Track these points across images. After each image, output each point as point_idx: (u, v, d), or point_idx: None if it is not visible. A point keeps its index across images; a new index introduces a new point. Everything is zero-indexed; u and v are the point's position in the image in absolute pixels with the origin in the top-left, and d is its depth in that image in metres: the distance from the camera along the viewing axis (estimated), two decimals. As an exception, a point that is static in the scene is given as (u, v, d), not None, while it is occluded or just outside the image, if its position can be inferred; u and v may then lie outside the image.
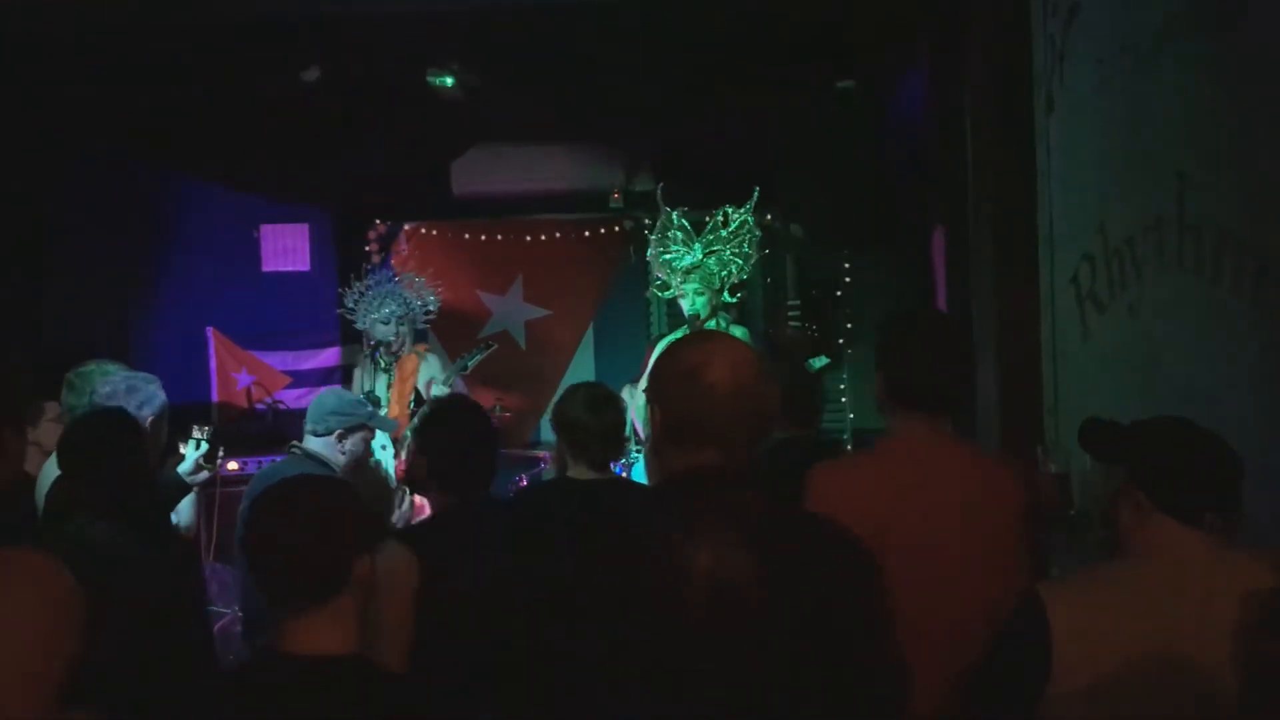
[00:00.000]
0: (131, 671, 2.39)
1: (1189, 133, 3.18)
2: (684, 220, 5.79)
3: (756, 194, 5.78)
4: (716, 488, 1.72)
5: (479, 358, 6.19)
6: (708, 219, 5.78)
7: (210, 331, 7.32)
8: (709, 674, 1.60)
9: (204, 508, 5.10)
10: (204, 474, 3.97)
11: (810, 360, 6.00)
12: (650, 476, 1.92)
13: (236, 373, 7.31)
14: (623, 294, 7.64)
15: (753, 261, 5.85)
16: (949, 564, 2.24)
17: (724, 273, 5.72)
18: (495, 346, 6.30)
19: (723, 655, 1.60)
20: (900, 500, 2.26)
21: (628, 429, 3.91)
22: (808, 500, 2.27)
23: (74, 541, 2.64)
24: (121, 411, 3.18)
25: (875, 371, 2.51)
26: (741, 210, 5.77)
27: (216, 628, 5.25)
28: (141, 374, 3.61)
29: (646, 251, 5.99)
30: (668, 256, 5.78)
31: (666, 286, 5.86)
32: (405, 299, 6.45)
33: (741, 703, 1.59)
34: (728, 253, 5.72)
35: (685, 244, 5.74)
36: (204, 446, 3.91)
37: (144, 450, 3.11)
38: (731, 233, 5.77)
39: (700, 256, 5.70)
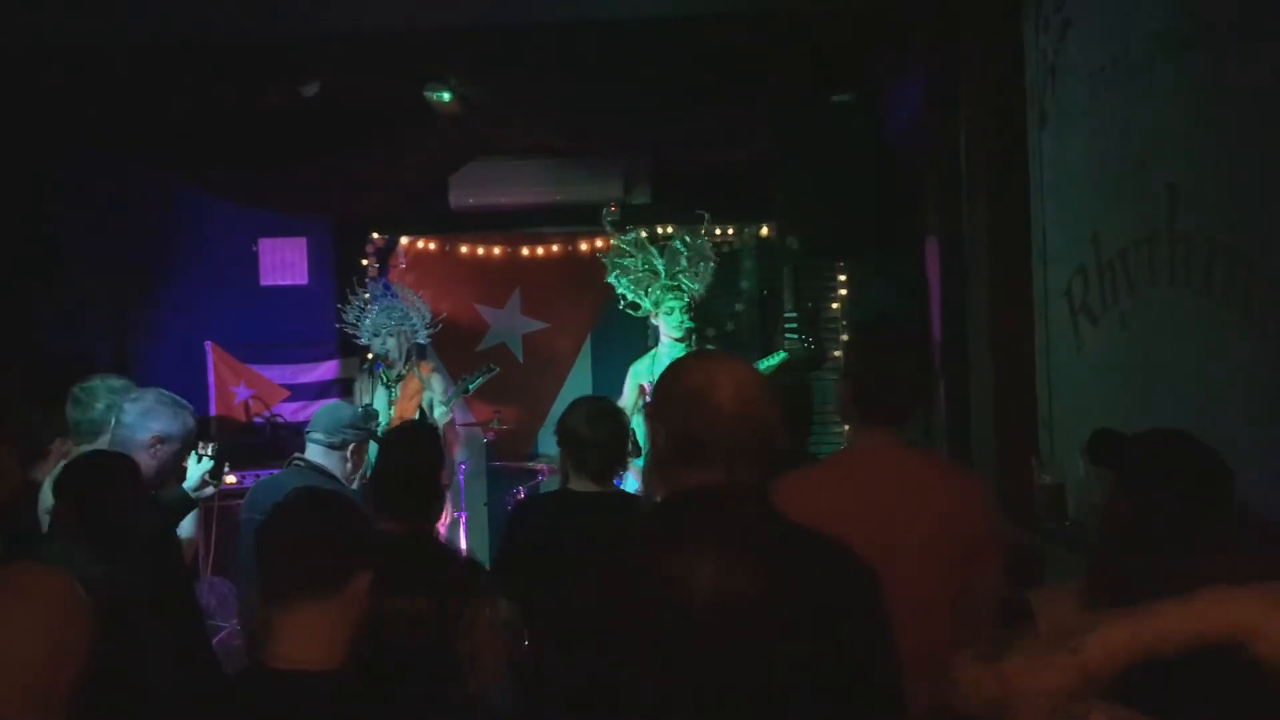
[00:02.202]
0: (109, 693, 2.39)
1: (1180, 146, 3.21)
2: (644, 240, 6.17)
3: (708, 219, 6.11)
4: (720, 505, 1.74)
5: (480, 380, 6.23)
6: (704, 231, 5.97)
7: (208, 345, 7.33)
8: (713, 689, 1.62)
9: (202, 522, 5.12)
10: (209, 489, 3.99)
11: (759, 361, 6.09)
12: (647, 491, 1.94)
13: (235, 386, 7.32)
14: (620, 307, 7.66)
15: (708, 284, 6.16)
16: (910, 576, 2.23)
17: (690, 295, 6.02)
18: (497, 370, 6.33)
19: (727, 670, 1.62)
20: (854, 508, 2.27)
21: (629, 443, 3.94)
22: None
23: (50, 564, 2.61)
24: (119, 457, 3.17)
25: (842, 380, 2.60)
26: (699, 238, 6.06)
27: (215, 641, 5.26)
28: (177, 397, 3.61)
29: (607, 277, 6.22)
30: (637, 275, 6.02)
31: (636, 307, 6.06)
32: (401, 312, 6.47)
33: (746, 717, 1.61)
34: (684, 277, 5.98)
35: (648, 265, 6.01)
36: (209, 463, 3.94)
37: (139, 492, 3.09)
38: (688, 258, 6.03)
39: (665, 279, 5.95)
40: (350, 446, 3.95)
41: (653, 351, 5.93)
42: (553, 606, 1.82)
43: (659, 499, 1.82)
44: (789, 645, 1.64)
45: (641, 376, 5.78)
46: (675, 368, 1.91)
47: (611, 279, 6.21)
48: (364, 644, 2.02)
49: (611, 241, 6.17)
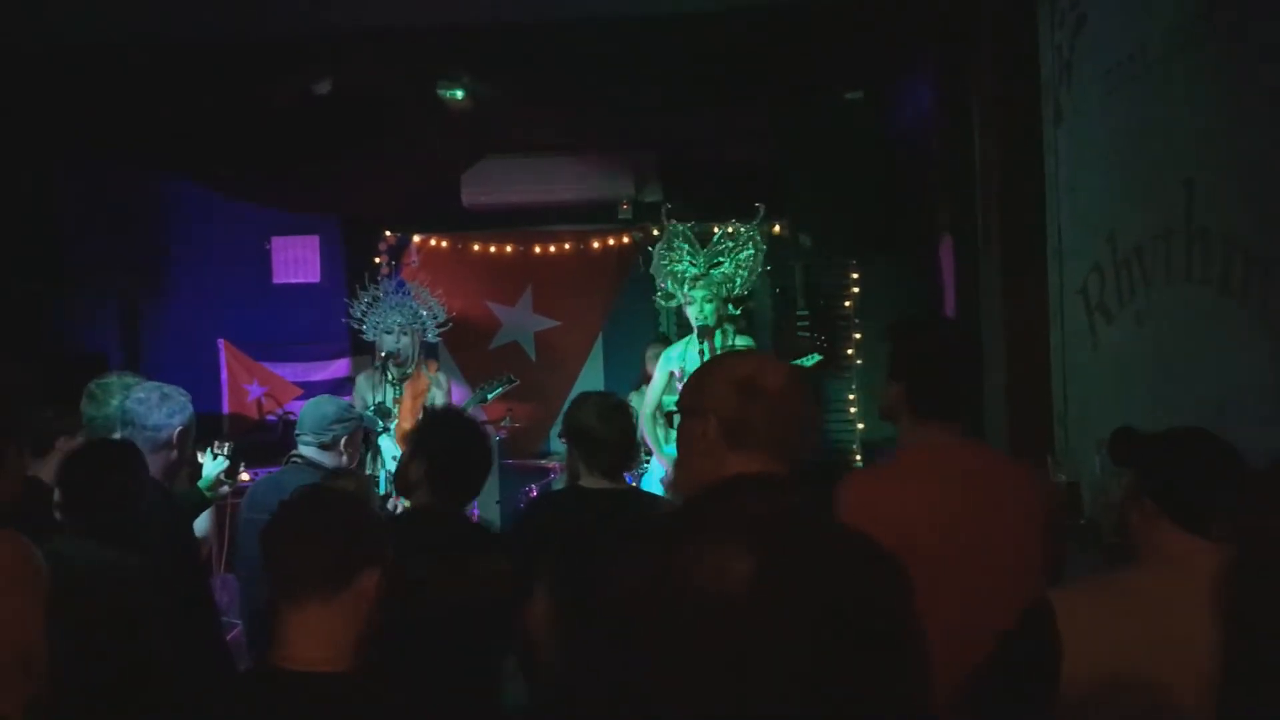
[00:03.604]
0: (116, 689, 2.38)
1: (1197, 142, 3.19)
2: (689, 232, 5.81)
3: (763, 210, 5.83)
4: (760, 493, 1.74)
5: (500, 390, 6.23)
6: (715, 229, 5.80)
7: (221, 343, 7.35)
8: (744, 679, 1.62)
9: (215, 519, 5.13)
10: (225, 488, 4.01)
11: (802, 360, 5.99)
12: (684, 485, 1.95)
13: (248, 384, 7.34)
14: (631, 304, 7.67)
15: (756, 276, 5.88)
16: (979, 569, 2.24)
17: (728, 285, 5.75)
18: (517, 382, 6.32)
19: (758, 664, 1.62)
20: (934, 508, 2.27)
21: (638, 438, 3.93)
22: (841, 510, 2.27)
23: (55, 558, 2.59)
24: (124, 444, 3.18)
25: (889, 381, 2.50)
26: (748, 226, 5.81)
27: (229, 637, 5.27)
28: (175, 386, 3.64)
29: (650, 263, 6.02)
30: (675, 267, 5.79)
31: (671, 296, 5.87)
32: (413, 309, 6.47)
33: (775, 711, 1.61)
34: (731, 265, 5.75)
35: (691, 255, 5.77)
36: (225, 462, 3.95)
37: (143, 479, 3.10)
38: (737, 245, 5.80)
39: (705, 268, 5.73)
40: (341, 442, 3.96)
41: (687, 339, 5.78)
42: (586, 598, 1.82)
43: (696, 489, 1.83)
44: (821, 638, 1.63)
45: (674, 363, 5.61)
46: (717, 361, 2.01)
47: (654, 266, 6.01)
48: (396, 631, 2.01)
49: (673, 226, 5.93)
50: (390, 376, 6.21)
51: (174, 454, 3.52)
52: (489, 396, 6.28)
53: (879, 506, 2.18)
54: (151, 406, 3.48)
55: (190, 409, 3.59)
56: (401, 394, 6.19)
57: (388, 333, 6.34)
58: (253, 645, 4.07)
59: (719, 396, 1.86)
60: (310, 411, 4.08)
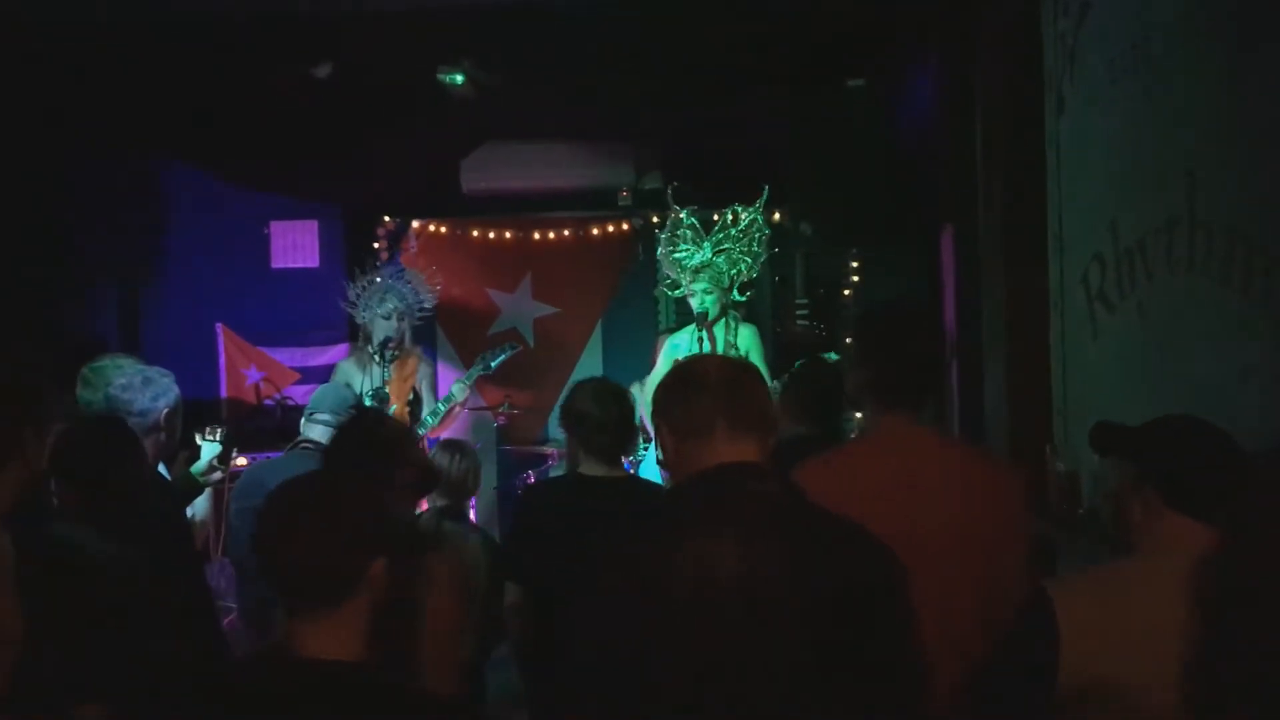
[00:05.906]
0: (129, 672, 2.35)
1: (1199, 133, 3.18)
2: (694, 219, 5.74)
3: (766, 192, 5.75)
4: (737, 483, 1.74)
5: (503, 357, 6.21)
6: (716, 217, 5.74)
7: (220, 328, 7.33)
8: (740, 668, 1.62)
9: (213, 504, 5.12)
10: (217, 474, 4.00)
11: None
12: (673, 478, 1.97)
13: (246, 369, 7.31)
14: (631, 292, 7.66)
15: (762, 260, 5.80)
16: (936, 560, 2.21)
17: (733, 271, 5.67)
18: (519, 348, 6.30)
19: (751, 652, 1.62)
20: (883, 498, 2.23)
21: (636, 423, 3.91)
22: None
23: (58, 544, 2.45)
24: (117, 421, 3.17)
25: (853, 368, 2.55)
26: (751, 209, 5.72)
27: (225, 622, 5.26)
28: (156, 368, 3.62)
29: (656, 250, 5.95)
30: (677, 255, 5.73)
31: (676, 285, 5.80)
32: (405, 295, 6.45)
33: (769, 699, 1.61)
34: (737, 251, 5.66)
35: (695, 242, 5.69)
36: (217, 447, 3.94)
37: (140, 457, 3.07)
38: (741, 231, 5.70)
39: (710, 255, 5.65)
40: None
41: (690, 327, 5.69)
42: (581, 590, 1.82)
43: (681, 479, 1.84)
44: (814, 624, 1.63)
45: (676, 351, 5.56)
46: (669, 370, 2.05)
47: (660, 253, 5.88)
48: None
49: (677, 212, 5.84)
50: (385, 359, 6.20)
51: (163, 436, 3.50)
52: (492, 365, 6.25)
53: (827, 495, 2.16)
54: (136, 391, 3.46)
55: (175, 390, 3.56)
56: (390, 376, 6.17)
57: (385, 318, 6.33)
58: (248, 631, 4.06)
59: (663, 398, 1.94)
60: (330, 391, 4.09)
